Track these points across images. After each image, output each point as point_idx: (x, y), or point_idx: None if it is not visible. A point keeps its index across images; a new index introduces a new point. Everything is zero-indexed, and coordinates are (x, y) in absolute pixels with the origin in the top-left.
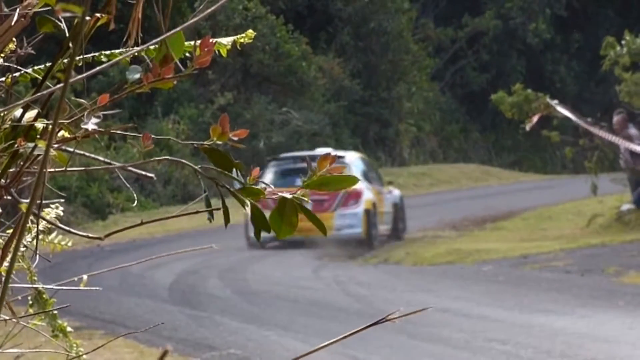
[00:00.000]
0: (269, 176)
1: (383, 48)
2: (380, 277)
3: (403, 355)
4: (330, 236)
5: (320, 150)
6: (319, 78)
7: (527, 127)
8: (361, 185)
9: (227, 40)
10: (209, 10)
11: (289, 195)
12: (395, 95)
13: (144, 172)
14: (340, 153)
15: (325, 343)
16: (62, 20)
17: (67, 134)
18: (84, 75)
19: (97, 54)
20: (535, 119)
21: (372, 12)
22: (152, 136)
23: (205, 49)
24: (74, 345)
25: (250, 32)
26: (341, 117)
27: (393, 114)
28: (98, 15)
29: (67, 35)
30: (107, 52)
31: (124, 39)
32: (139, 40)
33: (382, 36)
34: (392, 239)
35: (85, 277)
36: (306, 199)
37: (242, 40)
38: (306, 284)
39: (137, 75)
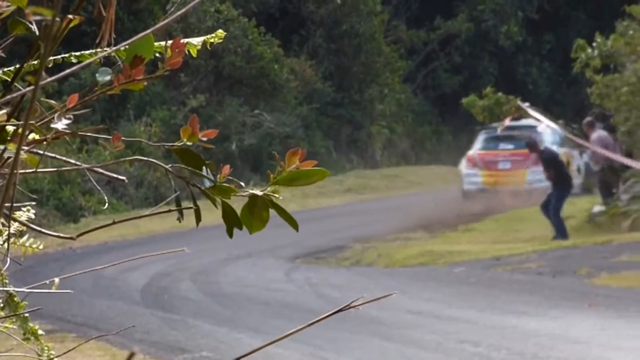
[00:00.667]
0: (479, 144)
1: (355, 50)
2: (353, 279)
3: (375, 357)
4: (523, 189)
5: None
6: (291, 80)
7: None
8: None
9: (197, 41)
10: (180, 12)
11: (259, 192)
12: (368, 97)
13: (115, 175)
14: (533, 123)
15: (276, 338)
16: (33, 22)
17: (37, 136)
18: (55, 77)
19: (67, 55)
20: (507, 121)
21: (344, 15)
22: (123, 138)
23: (177, 50)
24: (46, 348)
25: (220, 32)
26: (313, 119)
27: (365, 116)
28: (70, 16)
29: (38, 37)
30: (77, 54)
31: (97, 41)
32: (112, 42)
33: (355, 38)
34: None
35: (57, 280)
36: (277, 195)
37: (212, 41)
38: (278, 286)
39: (108, 77)
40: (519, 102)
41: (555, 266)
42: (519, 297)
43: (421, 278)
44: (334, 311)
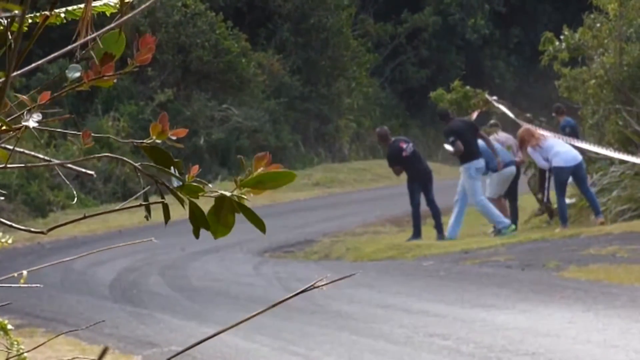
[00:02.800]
0: None
1: (323, 44)
2: (321, 273)
3: (344, 351)
4: None
5: None
6: (259, 75)
7: None
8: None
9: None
10: (146, 5)
11: (227, 193)
12: (335, 91)
13: (84, 170)
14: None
15: (224, 328)
16: (3, 18)
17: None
18: (26, 69)
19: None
20: (474, 115)
21: (311, 9)
22: (92, 134)
23: (146, 47)
24: (15, 342)
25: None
26: (281, 113)
27: (333, 110)
28: (47, 13)
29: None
30: (63, 9)
31: (74, 37)
32: (89, 40)
33: (322, 32)
34: None
35: (25, 272)
36: (245, 197)
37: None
38: (247, 280)
39: (78, 74)
40: (487, 96)
41: (523, 259)
42: (488, 290)
43: (390, 272)
44: (296, 292)
